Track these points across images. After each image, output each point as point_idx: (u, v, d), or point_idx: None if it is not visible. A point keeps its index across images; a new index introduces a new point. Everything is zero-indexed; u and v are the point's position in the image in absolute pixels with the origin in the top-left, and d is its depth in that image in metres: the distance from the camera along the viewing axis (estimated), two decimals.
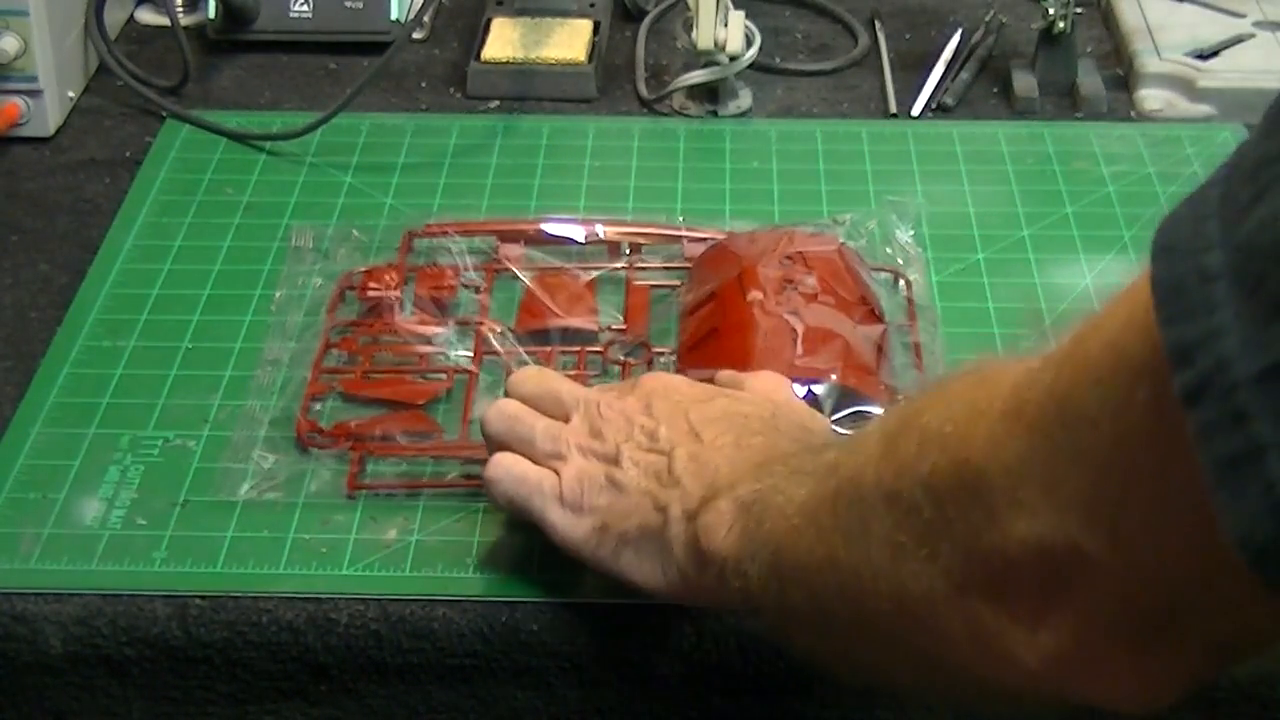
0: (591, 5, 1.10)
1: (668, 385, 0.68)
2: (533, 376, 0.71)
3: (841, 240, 0.84)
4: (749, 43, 0.99)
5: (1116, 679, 0.45)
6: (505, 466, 0.67)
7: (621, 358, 0.81)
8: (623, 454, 0.65)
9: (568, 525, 0.65)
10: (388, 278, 0.84)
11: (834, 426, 0.70)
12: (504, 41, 1.05)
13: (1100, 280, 0.86)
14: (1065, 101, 1.02)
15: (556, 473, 0.66)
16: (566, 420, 0.68)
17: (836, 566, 0.52)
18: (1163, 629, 0.43)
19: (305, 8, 1.07)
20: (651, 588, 0.64)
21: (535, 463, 0.67)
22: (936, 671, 0.51)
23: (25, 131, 0.98)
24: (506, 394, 0.71)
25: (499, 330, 0.82)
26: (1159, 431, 0.39)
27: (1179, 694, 0.45)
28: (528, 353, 0.80)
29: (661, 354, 0.81)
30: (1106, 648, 0.44)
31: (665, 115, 1.02)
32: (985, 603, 0.46)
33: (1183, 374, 0.37)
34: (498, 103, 1.03)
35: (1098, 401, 0.41)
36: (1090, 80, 1.02)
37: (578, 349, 0.81)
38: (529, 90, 1.03)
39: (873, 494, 0.51)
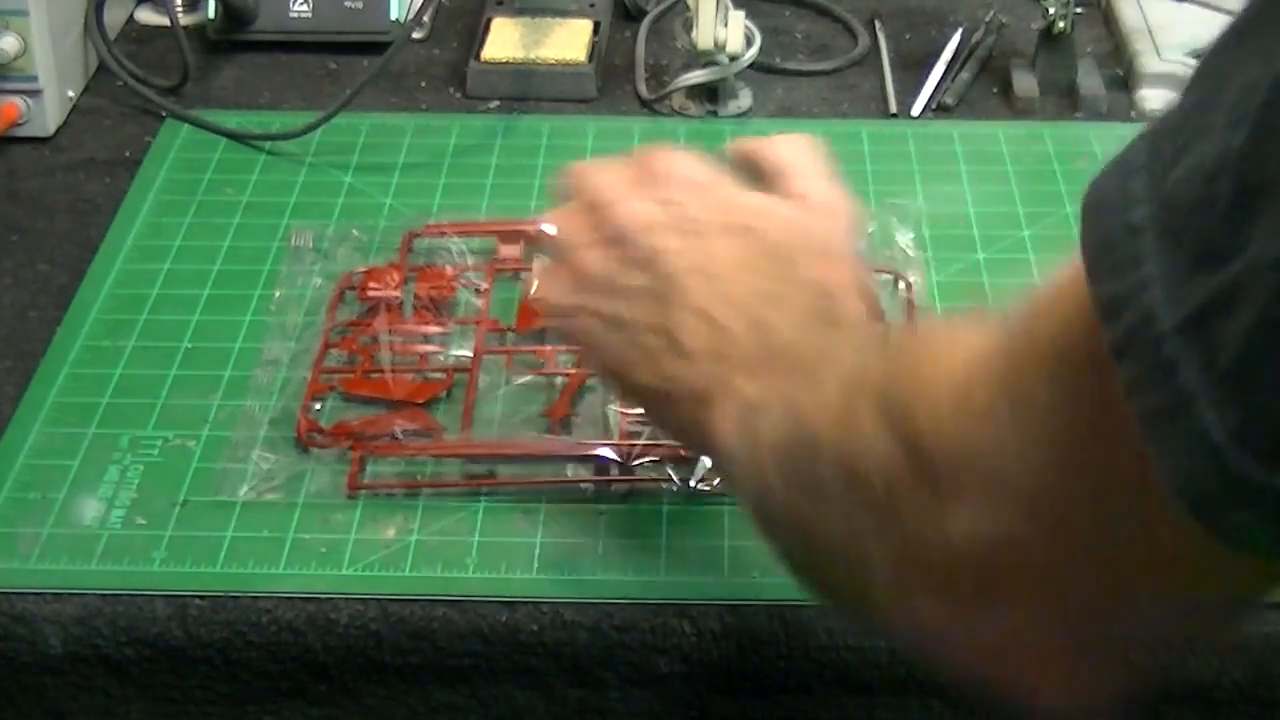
0: (591, 5, 1.10)
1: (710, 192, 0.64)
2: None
3: None
4: (749, 43, 0.99)
5: (1046, 677, 0.44)
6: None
7: None
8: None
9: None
10: (388, 278, 0.84)
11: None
12: (504, 41, 1.05)
13: None
14: (1065, 101, 1.02)
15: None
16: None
17: (799, 516, 0.52)
18: (1095, 631, 0.43)
19: (305, 8, 1.07)
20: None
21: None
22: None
23: (25, 131, 0.98)
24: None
25: (499, 330, 0.82)
26: (1105, 420, 0.39)
27: (1105, 701, 0.45)
28: (528, 352, 0.80)
29: None
30: (1038, 643, 0.44)
31: (665, 115, 1.02)
32: (923, 591, 0.46)
33: (1111, 329, 0.37)
34: (498, 103, 1.03)
35: (1046, 391, 0.41)
36: (1090, 80, 1.02)
37: (578, 348, 0.81)
38: (529, 90, 1.03)
39: (830, 467, 0.49)
